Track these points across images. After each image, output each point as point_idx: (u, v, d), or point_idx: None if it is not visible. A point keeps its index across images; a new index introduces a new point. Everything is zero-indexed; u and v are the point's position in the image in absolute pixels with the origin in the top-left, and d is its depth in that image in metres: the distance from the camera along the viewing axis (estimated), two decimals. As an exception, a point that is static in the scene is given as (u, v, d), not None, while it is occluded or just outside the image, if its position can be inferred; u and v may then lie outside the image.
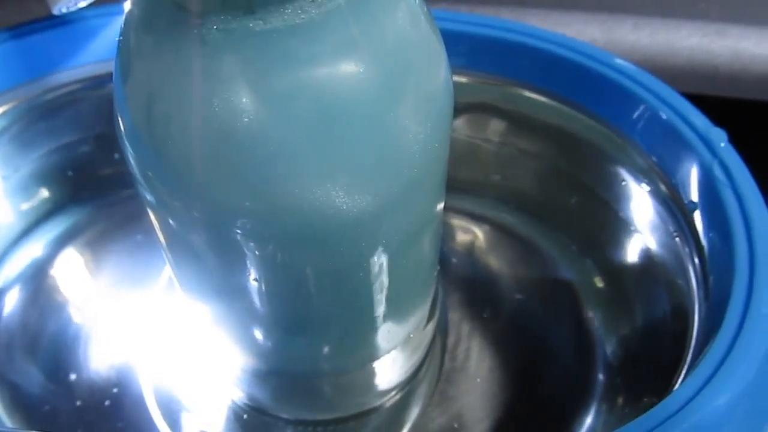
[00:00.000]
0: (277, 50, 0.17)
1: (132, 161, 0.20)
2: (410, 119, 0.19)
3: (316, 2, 0.16)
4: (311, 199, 0.18)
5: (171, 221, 0.20)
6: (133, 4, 0.18)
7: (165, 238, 0.22)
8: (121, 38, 0.19)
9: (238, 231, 0.19)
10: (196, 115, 0.17)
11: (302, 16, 0.16)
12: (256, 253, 0.20)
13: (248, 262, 0.20)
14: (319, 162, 0.18)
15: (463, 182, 0.34)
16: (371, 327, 0.24)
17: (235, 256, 0.20)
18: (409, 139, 0.19)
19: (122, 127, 0.19)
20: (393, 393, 0.29)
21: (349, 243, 0.20)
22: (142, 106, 0.18)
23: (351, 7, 0.17)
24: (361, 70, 0.17)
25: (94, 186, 0.33)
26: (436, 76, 0.20)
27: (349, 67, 0.17)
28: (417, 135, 0.19)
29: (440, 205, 0.24)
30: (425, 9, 0.20)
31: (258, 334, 0.24)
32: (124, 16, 0.19)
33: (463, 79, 0.31)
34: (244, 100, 0.17)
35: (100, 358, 0.30)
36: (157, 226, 0.21)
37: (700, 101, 0.27)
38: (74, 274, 0.33)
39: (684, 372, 0.21)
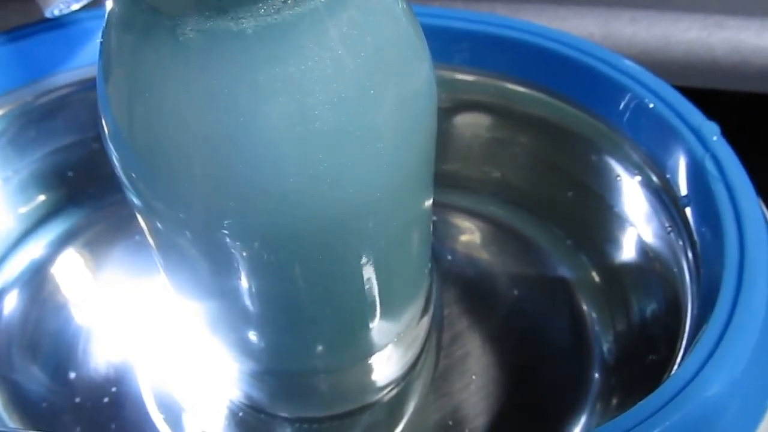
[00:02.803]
0: (252, 50, 0.17)
1: (116, 163, 0.20)
2: (392, 117, 0.19)
3: (288, 3, 0.16)
4: (295, 199, 0.18)
5: (158, 224, 0.20)
6: (112, 4, 0.18)
7: (154, 241, 0.22)
8: (102, 39, 0.19)
9: (225, 231, 0.19)
10: (175, 116, 0.17)
11: (275, 17, 0.16)
12: (244, 253, 0.20)
13: (236, 262, 0.20)
14: (300, 161, 0.18)
15: (457, 178, 0.34)
16: (363, 324, 0.24)
17: (223, 257, 0.20)
18: (392, 136, 0.19)
19: (105, 129, 0.19)
20: (389, 389, 0.29)
21: (335, 241, 0.20)
22: (123, 108, 0.18)
23: (327, 7, 0.17)
24: (339, 69, 0.17)
25: (93, 187, 0.33)
26: (418, 73, 0.20)
27: (326, 66, 0.17)
28: (399, 132, 0.19)
29: (428, 202, 0.24)
30: (405, 6, 0.20)
31: (251, 334, 0.24)
32: (105, 16, 0.19)
33: (456, 76, 0.31)
34: (221, 100, 0.17)
35: (99, 356, 0.30)
36: (146, 228, 0.22)
37: (699, 95, 0.27)
38: (74, 275, 0.33)
39: (675, 368, 0.21)
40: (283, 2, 0.16)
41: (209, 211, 0.19)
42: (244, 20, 0.16)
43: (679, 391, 0.19)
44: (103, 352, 0.30)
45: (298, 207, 0.18)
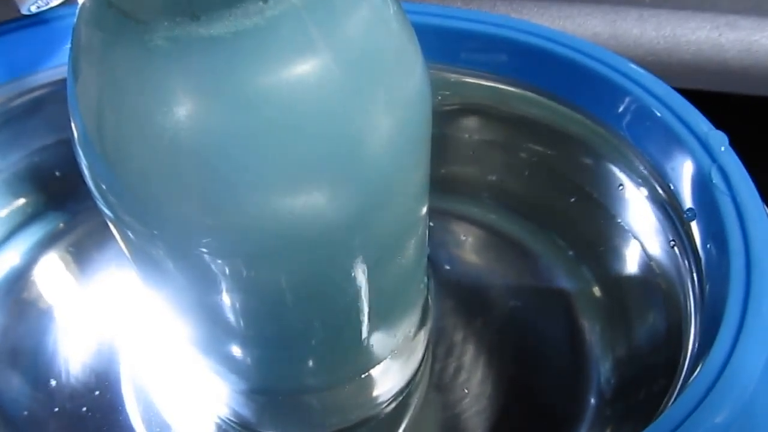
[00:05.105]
0: (224, 58, 0.16)
1: (85, 171, 0.19)
2: (381, 126, 0.18)
3: (261, 8, 0.15)
4: (277, 214, 0.17)
5: (132, 238, 0.19)
6: (82, 4, 0.17)
7: (129, 254, 0.21)
8: (72, 38, 0.18)
9: (203, 250, 0.18)
10: (145, 127, 0.16)
11: (246, 22, 0.15)
12: (225, 270, 0.19)
13: (218, 279, 0.19)
14: (281, 174, 0.17)
15: (456, 183, 0.34)
16: (354, 340, 0.23)
17: (203, 275, 0.19)
18: (381, 147, 0.18)
19: (75, 133, 0.18)
20: (384, 405, 0.28)
21: (322, 257, 0.19)
22: (92, 114, 0.17)
23: (304, 11, 0.16)
24: (318, 76, 0.16)
25: (79, 186, 0.32)
26: (409, 79, 0.19)
27: (304, 73, 0.16)
28: (389, 142, 0.18)
29: (421, 212, 0.23)
30: (397, 9, 0.19)
31: (236, 351, 0.23)
32: (76, 14, 0.18)
33: (454, 78, 0.30)
34: (193, 110, 0.16)
35: (81, 365, 0.29)
36: (120, 241, 0.21)
37: (708, 98, 0.26)
38: (57, 280, 0.32)
39: (674, 398, 0.20)
40: (256, 8, 0.15)
41: (185, 229, 0.18)
42: (215, 26, 0.15)
43: (679, 424, 0.18)
44: (85, 360, 0.30)
45: (281, 223, 0.17)
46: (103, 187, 0.18)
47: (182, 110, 0.16)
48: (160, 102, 0.16)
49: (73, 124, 0.18)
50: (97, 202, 0.19)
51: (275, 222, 0.17)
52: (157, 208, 0.18)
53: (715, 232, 0.22)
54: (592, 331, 0.29)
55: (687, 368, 0.21)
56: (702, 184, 0.23)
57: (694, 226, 0.23)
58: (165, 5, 0.15)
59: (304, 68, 0.16)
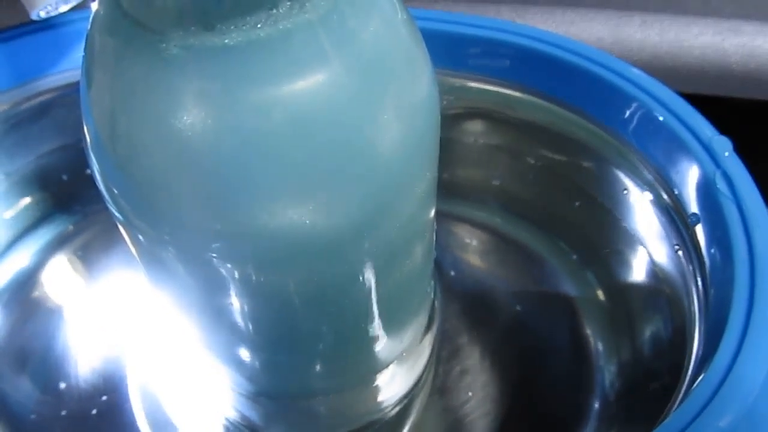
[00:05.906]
0: (237, 66, 0.16)
1: (97, 175, 0.19)
2: (391, 135, 0.18)
3: (274, 17, 0.16)
4: (287, 219, 0.17)
5: (143, 241, 0.20)
6: (96, 12, 0.18)
7: (138, 256, 0.21)
8: (86, 45, 0.18)
9: (213, 254, 0.18)
10: (158, 134, 0.17)
11: (259, 32, 0.15)
12: (235, 275, 0.19)
13: (227, 283, 0.19)
14: (289, 181, 0.17)
15: (462, 187, 0.34)
16: (362, 344, 0.24)
17: (212, 278, 0.19)
18: (391, 154, 0.18)
19: (87, 138, 0.19)
20: (390, 408, 0.28)
21: (331, 261, 0.19)
22: (105, 120, 0.18)
23: (316, 21, 0.16)
24: (330, 84, 0.17)
25: (87, 190, 0.33)
26: (418, 87, 0.19)
27: (315, 82, 0.16)
28: (399, 149, 0.18)
29: (429, 219, 0.23)
30: (406, 17, 0.19)
31: (244, 354, 0.23)
32: (90, 21, 0.18)
33: (459, 83, 0.30)
34: (206, 118, 0.16)
35: (89, 368, 0.30)
36: (130, 243, 0.21)
37: (712, 102, 0.26)
38: (65, 282, 0.32)
39: (678, 402, 0.20)
40: (269, 17, 0.16)
41: (195, 234, 0.18)
42: (230, 36, 0.16)
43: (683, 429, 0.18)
44: (93, 363, 0.30)
45: (291, 229, 0.17)
46: (115, 191, 0.18)
47: (195, 117, 0.16)
48: (172, 109, 0.16)
49: (85, 129, 0.18)
50: (109, 205, 0.19)
51: (285, 228, 0.17)
52: (168, 213, 0.18)
53: (720, 237, 0.22)
54: (596, 335, 0.29)
55: (691, 373, 0.21)
56: (706, 189, 0.23)
57: (699, 230, 0.24)
58: (180, 16, 0.15)
59: (315, 77, 0.16)
